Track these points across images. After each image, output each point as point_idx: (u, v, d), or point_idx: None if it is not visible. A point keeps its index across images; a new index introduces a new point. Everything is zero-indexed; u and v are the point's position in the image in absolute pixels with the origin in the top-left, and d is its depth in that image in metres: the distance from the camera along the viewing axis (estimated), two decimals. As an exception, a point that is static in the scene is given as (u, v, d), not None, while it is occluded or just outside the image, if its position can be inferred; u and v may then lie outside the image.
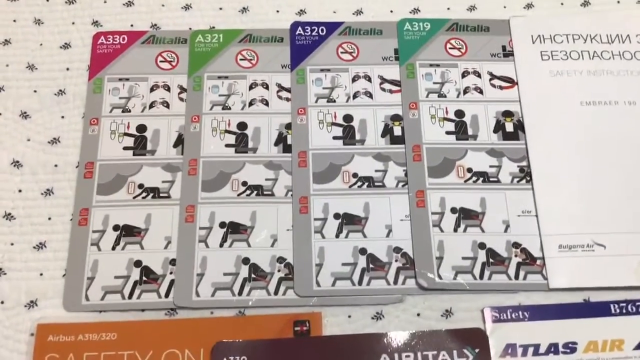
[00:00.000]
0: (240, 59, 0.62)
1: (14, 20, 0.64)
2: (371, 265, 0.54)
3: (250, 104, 0.60)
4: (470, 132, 0.59)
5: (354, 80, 0.61)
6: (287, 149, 0.58)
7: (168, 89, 0.61)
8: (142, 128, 0.59)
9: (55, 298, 0.53)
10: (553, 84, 0.60)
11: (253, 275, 0.54)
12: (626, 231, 0.55)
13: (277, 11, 0.64)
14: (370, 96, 0.60)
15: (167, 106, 0.60)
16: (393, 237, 0.55)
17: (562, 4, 0.65)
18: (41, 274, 0.54)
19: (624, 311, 0.53)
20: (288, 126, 0.59)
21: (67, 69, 0.62)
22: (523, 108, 0.59)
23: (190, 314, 0.53)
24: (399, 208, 0.56)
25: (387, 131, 0.59)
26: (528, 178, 0.57)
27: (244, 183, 0.57)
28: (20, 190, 0.57)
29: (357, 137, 0.59)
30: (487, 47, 0.62)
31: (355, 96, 0.60)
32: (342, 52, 0.62)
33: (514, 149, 0.58)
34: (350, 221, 0.56)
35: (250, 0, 0.65)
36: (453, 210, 0.56)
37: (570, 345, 0.51)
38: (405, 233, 0.55)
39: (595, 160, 0.57)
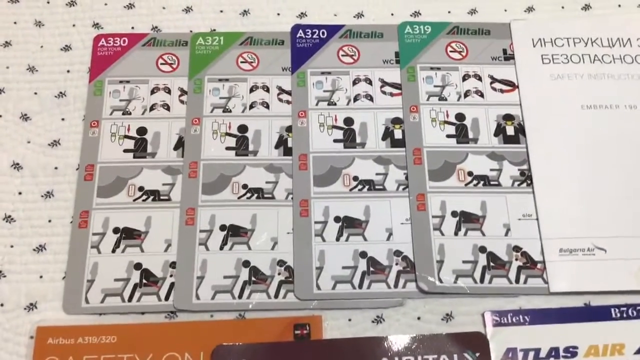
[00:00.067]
0: (241, 62, 0.62)
1: (15, 22, 0.64)
2: (371, 269, 0.54)
3: (251, 106, 0.60)
4: (470, 135, 0.59)
5: (354, 83, 0.61)
6: (287, 151, 0.58)
7: (169, 91, 0.60)
8: (142, 130, 0.59)
9: (55, 301, 0.53)
10: (554, 87, 0.60)
11: (253, 279, 0.54)
12: (627, 235, 0.55)
13: (278, 14, 0.64)
14: (371, 99, 0.60)
15: (168, 109, 0.60)
16: (393, 240, 0.55)
17: (562, 7, 0.65)
18: (41, 277, 0.54)
19: (625, 315, 0.52)
20: (289, 129, 0.59)
21: (68, 71, 0.62)
22: (524, 111, 0.59)
23: (190, 317, 0.53)
24: (399, 211, 0.56)
25: (387, 134, 0.59)
26: (529, 181, 0.57)
27: (245, 186, 0.57)
28: (20, 193, 0.57)
29: (358, 140, 0.59)
30: (487, 50, 0.62)
31: (355, 99, 0.60)
32: (342, 55, 0.62)
33: (514, 153, 0.58)
34: (350, 224, 0.55)
35: (251, 3, 0.65)
36: (454, 213, 0.56)
37: (571, 349, 0.51)
38: (405, 236, 0.55)
39: (596, 164, 0.57)
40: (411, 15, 0.64)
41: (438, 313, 0.53)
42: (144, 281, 0.54)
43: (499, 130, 0.59)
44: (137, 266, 0.54)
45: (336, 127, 0.59)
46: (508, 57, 0.62)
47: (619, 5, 0.65)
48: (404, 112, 0.60)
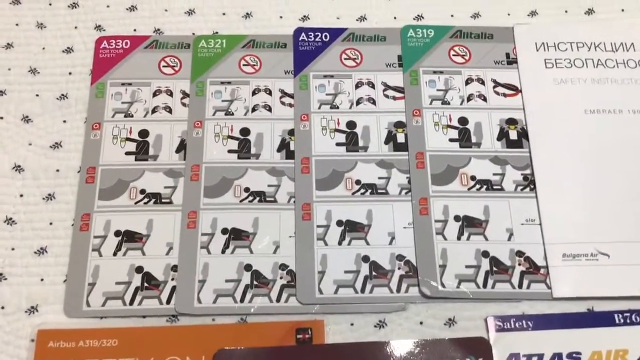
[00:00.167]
0: (244, 65, 0.62)
1: (17, 24, 0.63)
2: (374, 273, 0.54)
3: (253, 109, 0.60)
4: (473, 139, 0.59)
5: (357, 86, 0.61)
6: (289, 155, 0.58)
7: (171, 94, 0.60)
8: (144, 133, 0.59)
9: (56, 304, 0.53)
10: (557, 91, 0.60)
11: (255, 282, 0.53)
12: (630, 240, 0.55)
13: (281, 17, 0.64)
14: (374, 103, 0.60)
15: (170, 111, 0.60)
16: (396, 244, 0.55)
17: (566, 11, 0.65)
18: (42, 280, 0.54)
19: (628, 321, 0.52)
20: (291, 132, 0.59)
21: (70, 73, 0.61)
22: (527, 116, 0.59)
23: (191, 320, 0.53)
24: (402, 215, 0.56)
25: (390, 138, 0.59)
26: (532, 186, 0.57)
27: (247, 189, 0.57)
28: (21, 195, 0.57)
29: (360, 143, 0.58)
30: (490, 54, 0.62)
31: (358, 102, 0.60)
32: (345, 59, 0.62)
33: (517, 157, 0.58)
34: (353, 228, 0.55)
35: (254, 6, 0.65)
36: (456, 218, 0.56)
37: (574, 355, 0.51)
38: (408, 241, 0.55)
39: (599, 169, 0.57)
40: (414, 19, 0.64)
41: (441, 318, 0.53)
42: (146, 284, 0.53)
43: (502, 135, 0.59)
44: (139, 269, 0.54)
45: (339, 130, 0.59)
46: (511, 61, 0.62)
47: (623, 10, 0.65)
48: (406, 115, 0.59)
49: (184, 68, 0.61)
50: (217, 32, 0.63)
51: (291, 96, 0.60)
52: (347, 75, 0.61)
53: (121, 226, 0.55)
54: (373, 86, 0.61)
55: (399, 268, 0.54)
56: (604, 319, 0.52)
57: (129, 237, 0.55)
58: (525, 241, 0.55)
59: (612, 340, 0.52)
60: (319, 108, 0.60)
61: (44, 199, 0.57)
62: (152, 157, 0.58)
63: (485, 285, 0.53)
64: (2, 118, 0.60)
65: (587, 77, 0.61)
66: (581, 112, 0.59)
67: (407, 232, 0.55)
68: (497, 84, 0.61)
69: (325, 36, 0.63)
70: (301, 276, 0.54)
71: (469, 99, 0.60)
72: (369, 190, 0.57)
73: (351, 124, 0.59)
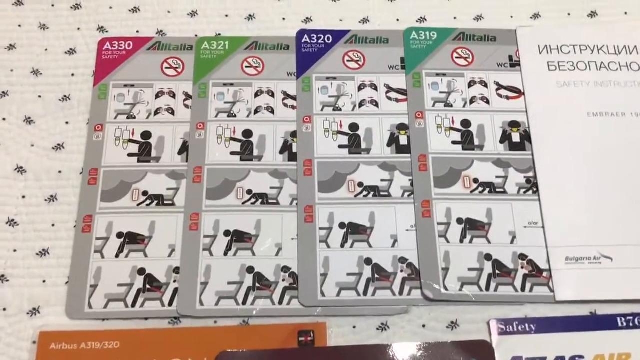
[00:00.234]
0: (246, 67, 0.61)
1: (19, 25, 0.63)
2: (376, 276, 0.54)
3: (256, 111, 0.60)
4: (476, 142, 0.58)
5: (360, 88, 0.61)
6: (292, 157, 0.58)
7: (173, 95, 0.60)
8: (147, 135, 0.59)
9: (58, 305, 0.53)
10: (560, 94, 0.60)
11: (257, 285, 0.53)
12: (633, 244, 0.55)
13: (283, 19, 0.64)
14: (376, 105, 0.60)
15: (172, 113, 0.60)
16: (398, 247, 0.55)
17: (569, 14, 0.65)
18: (44, 281, 0.54)
19: (631, 325, 0.52)
20: (293, 134, 0.59)
21: (72, 74, 0.61)
22: (530, 118, 0.59)
23: (193, 323, 0.53)
24: (404, 218, 0.56)
25: (393, 140, 0.59)
26: (534, 189, 0.57)
27: (249, 191, 0.56)
28: (23, 197, 0.57)
29: (363, 146, 0.58)
30: (493, 57, 0.62)
31: (361, 105, 0.60)
32: (348, 61, 0.62)
33: (520, 160, 0.58)
34: (355, 231, 0.55)
35: (257, 8, 0.64)
36: (459, 220, 0.55)
37: (577, 358, 0.51)
38: (410, 243, 0.55)
39: (602, 172, 0.57)
40: (417, 21, 0.64)
41: (443, 321, 0.53)
42: (148, 286, 0.53)
43: (505, 137, 0.59)
44: (141, 271, 0.54)
45: (341, 132, 0.59)
46: (514, 63, 0.62)
47: (626, 13, 0.64)
48: (409, 118, 0.59)
49: (186, 70, 0.61)
50: (219, 34, 0.63)
51: (294, 98, 0.60)
52: (350, 77, 0.61)
53: (123, 228, 0.55)
54: (376, 88, 0.61)
55: (401, 271, 0.54)
56: (606, 323, 0.52)
57: (131, 239, 0.55)
58: (528, 244, 0.55)
59: (615, 343, 0.52)
60: (322, 110, 0.60)
61: (46, 200, 0.57)
62: (154, 159, 0.58)
63: (488, 288, 0.53)
64: (4, 119, 0.59)
65: (590, 79, 0.61)
66: (584, 115, 0.59)
67: (409, 234, 0.55)
68: (500, 86, 0.61)
69: (328, 38, 0.63)
70: (303, 278, 0.53)
71: (471, 102, 0.60)
72: (372, 193, 0.57)
73: (354, 126, 0.59)
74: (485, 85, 0.61)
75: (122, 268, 0.54)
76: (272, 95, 0.60)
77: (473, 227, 0.55)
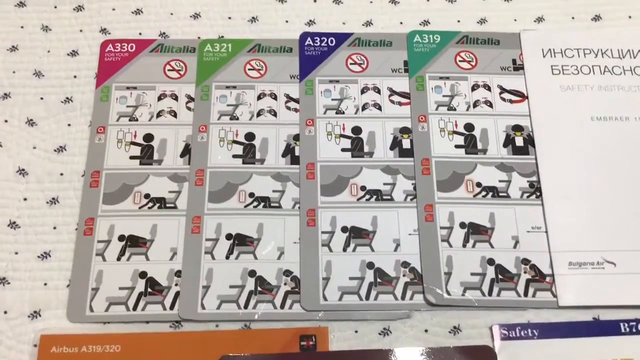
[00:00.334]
0: (249, 69, 0.61)
1: (22, 27, 0.63)
2: (379, 280, 0.54)
3: (258, 114, 0.60)
4: (479, 146, 0.58)
5: (363, 91, 0.60)
6: (295, 160, 0.58)
7: (176, 98, 0.60)
8: (149, 137, 0.58)
9: (59, 308, 0.53)
10: (564, 98, 0.60)
11: (259, 288, 0.53)
12: (637, 249, 0.54)
13: (287, 21, 0.64)
14: (379, 108, 0.60)
15: (175, 115, 0.59)
16: (401, 251, 0.55)
17: (573, 18, 0.64)
18: (45, 284, 0.54)
19: (634, 330, 0.52)
20: (296, 137, 0.59)
21: (75, 76, 0.61)
22: (533, 122, 0.59)
23: (195, 326, 0.53)
24: (407, 222, 0.55)
25: (396, 144, 0.58)
26: (538, 193, 0.56)
27: (251, 194, 0.56)
28: (25, 199, 0.57)
29: (366, 149, 0.58)
30: (497, 60, 0.62)
31: (364, 108, 0.60)
32: (351, 64, 0.62)
33: (523, 164, 0.58)
34: (358, 235, 0.55)
35: (260, 10, 0.64)
36: (462, 225, 0.55)
37: (580, 364, 0.51)
38: (413, 247, 0.55)
39: (605, 176, 0.57)
40: (420, 24, 0.64)
41: (445, 326, 0.53)
42: (149, 290, 0.53)
43: (508, 141, 0.58)
44: (142, 274, 0.54)
45: (344, 136, 0.59)
46: (517, 67, 0.61)
47: (630, 17, 0.64)
48: (412, 121, 0.59)
49: (189, 72, 0.61)
50: (222, 36, 0.63)
51: (296, 101, 0.60)
52: (353, 80, 0.61)
53: (125, 231, 0.55)
54: (379, 91, 0.60)
55: (404, 275, 0.54)
56: (609, 328, 0.52)
57: (133, 242, 0.55)
58: (531, 249, 0.54)
59: (618, 349, 0.51)
60: (325, 113, 0.60)
61: (47, 202, 0.56)
62: (156, 162, 0.58)
63: (490, 293, 0.53)
64: (6, 121, 0.59)
65: (593, 83, 0.61)
66: (588, 119, 0.59)
67: (412, 238, 0.55)
68: (503, 90, 0.60)
69: (331, 41, 0.62)
70: (305, 282, 0.53)
71: (475, 105, 0.60)
72: (374, 197, 0.56)
73: (356, 130, 0.59)
74: (489, 89, 0.61)
75: (124, 271, 0.54)
76: (275, 98, 0.60)
77: (476, 231, 0.55)
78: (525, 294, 0.53)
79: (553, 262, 0.54)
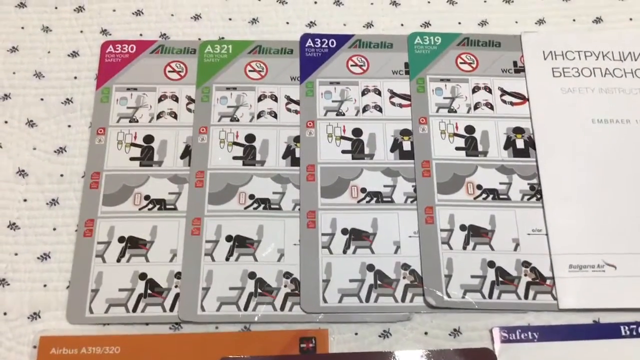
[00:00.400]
0: (249, 71, 0.61)
1: (22, 28, 0.63)
2: (379, 282, 0.53)
3: (259, 116, 0.60)
4: (480, 148, 0.58)
5: (363, 93, 0.60)
6: (295, 162, 0.58)
7: (176, 99, 0.60)
8: (149, 139, 0.58)
9: (59, 310, 0.53)
10: (564, 101, 0.60)
11: (259, 290, 0.53)
12: (637, 252, 0.54)
13: (287, 23, 0.64)
14: (380, 110, 0.60)
15: (175, 117, 0.59)
16: (401, 253, 0.54)
17: (574, 20, 0.64)
18: (45, 285, 0.54)
19: (635, 333, 0.52)
20: (296, 139, 0.59)
21: (75, 77, 0.61)
22: (534, 125, 0.59)
23: (195, 328, 0.52)
24: (407, 224, 0.55)
25: (396, 146, 0.58)
26: (538, 196, 0.56)
27: (251, 196, 0.56)
28: (25, 200, 0.56)
29: (366, 151, 0.58)
30: (498, 62, 0.62)
31: (364, 110, 0.60)
32: (352, 65, 0.62)
33: (524, 166, 0.57)
34: (358, 237, 0.55)
35: (260, 12, 0.64)
36: (462, 227, 0.55)
37: (580, 367, 0.51)
38: (413, 250, 0.55)
39: (606, 179, 0.57)
40: (421, 26, 0.64)
41: (446, 328, 0.53)
42: (149, 291, 0.53)
43: (509, 144, 0.58)
44: (142, 276, 0.53)
45: (344, 137, 0.59)
46: (518, 69, 0.61)
47: (631, 19, 0.64)
48: (413, 123, 0.59)
49: (189, 73, 0.61)
50: (223, 38, 0.63)
51: (297, 103, 0.60)
52: (354, 82, 0.61)
53: (125, 232, 0.55)
54: (379, 93, 0.60)
55: (404, 277, 0.54)
56: (610, 331, 0.52)
57: (133, 244, 0.54)
58: (531, 251, 0.54)
59: (618, 352, 0.51)
60: (325, 115, 0.59)
61: (47, 204, 0.56)
62: (156, 163, 0.57)
63: (490, 295, 0.53)
64: (6, 122, 0.59)
65: (594, 86, 0.60)
66: (589, 122, 0.59)
67: (412, 241, 0.55)
68: (504, 92, 0.60)
69: (332, 42, 0.62)
70: (305, 285, 0.53)
71: (475, 107, 0.60)
72: (375, 199, 0.56)
73: (357, 131, 0.59)
74: (490, 91, 0.61)
75: (124, 273, 0.54)
76: (275, 99, 0.60)
77: (476, 233, 0.55)
78: (526, 297, 0.53)
79: (553, 265, 0.54)
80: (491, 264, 0.54)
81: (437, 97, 0.60)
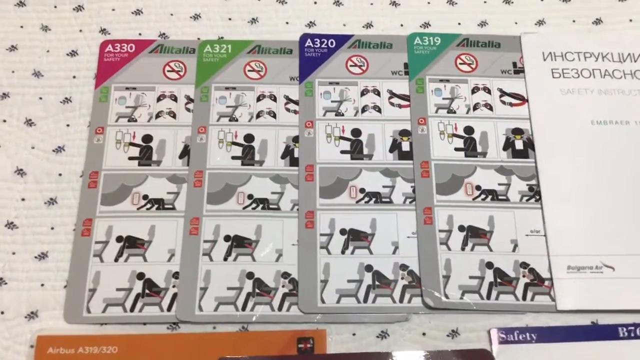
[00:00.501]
0: (249, 70, 0.61)
1: (21, 26, 0.63)
2: (377, 283, 0.53)
3: (258, 115, 0.59)
4: (479, 149, 0.58)
5: (362, 94, 0.60)
6: (294, 162, 0.58)
7: (175, 99, 0.60)
8: (148, 138, 0.58)
9: (56, 309, 0.53)
10: (564, 102, 0.60)
11: (257, 290, 0.53)
12: (636, 253, 0.54)
13: (287, 23, 0.64)
14: (379, 110, 0.60)
15: (174, 116, 0.59)
16: (400, 254, 0.54)
17: (574, 21, 0.64)
18: (42, 285, 0.54)
19: (632, 335, 0.52)
20: (295, 139, 0.58)
21: (74, 76, 0.61)
22: (533, 126, 0.59)
23: (192, 328, 0.52)
24: (406, 225, 0.55)
25: (395, 146, 0.58)
26: (537, 197, 0.56)
27: (250, 196, 0.56)
28: (23, 199, 0.56)
29: (365, 151, 0.58)
30: (497, 63, 0.62)
31: (363, 110, 0.60)
32: (351, 66, 0.61)
33: (523, 167, 0.57)
34: (356, 237, 0.55)
35: (260, 11, 0.64)
36: (461, 228, 0.55)
37: (578, 369, 0.51)
38: (412, 250, 0.54)
39: (605, 181, 0.57)
40: (421, 27, 0.64)
41: (443, 329, 0.53)
42: (147, 291, 0.53)
43: (508, 145, 0.58)
44: (140, 276, 0.53)
45: (343, 138, 0.59)
46: (518, 70, 0.61)
47: (631, 20, 0.64)
48: (412, 124, 0.59)
49: (188, 73, 0.61)
50: (222, 37, 0.63)
51: (296, 103, 0.60)
52: (353, 82, 0.61)
53: (123, 232, 0.55)
54: (379, 94, 0.60)
55: (402, 278, 0.54)
56: (608, 333, 0.52)
57: (131, 243, 0.54)
58: (530, 253, 0.54)
59: (616, 354, 0.51)
60: (324, 115, 0.59)
61: (45, 203, 0.56)
62: (155, 163, 0.57)
63: (489, 296, 0.53)
64: (4, 121, 0.59)
65: (594, 87, 0.60)
66: (588, 123, 0.59)
67: (411, 241, 0.55)
68: (503, 93, 0.60)
69: (332, 42, 0.62)
70: (303, 285, 0.53)
71: (475, 108, 0.60)
72: (373, 199, 0.56)
73: (356, 132, 0.59)
74: (489, 92, 0.60)
75: (121, 272, 0.53)
76: (274, 99, 0.60)
77: (475, 234, 0.55)
78: (524, 298, 0.53)
79: (552, 266, 0.54)
80: (489, 264, 0.54)
81: (436, 97, 0.60)
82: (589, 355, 0.51)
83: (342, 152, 0.58)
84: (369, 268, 0.54)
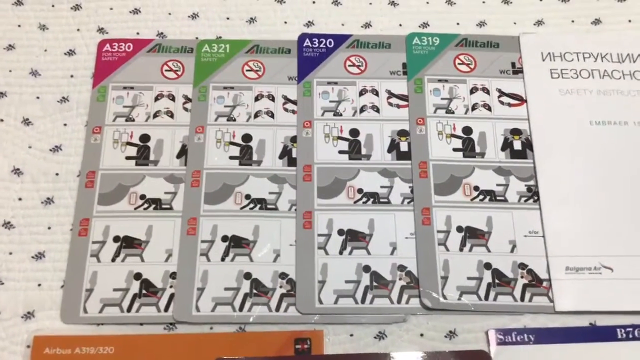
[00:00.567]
0: (247, 70, 0.61)
1: (19, 25, 0.63)
2: (375, 283, 0.53)
3: (256, 115, 0.59)
4: (477, 149, 0.58)
5: (361, 94, 0.60)
6: (292, 162, 0.57)
7: (173, 98, 0.60)
8: (145, 138, 0.58)
9: (53, 309, 0.53)
10: (562, 102, 0.60)
11: (254, 291, 0.53)
12: (634, 254, 0.54)
13: (285, 22, 0.64)
14: (377, 110, 0.60)
15: (172, 116, 0.59)
16: (397, 255, 0.54)
17: (572, 21, 0.64)
18: (39, 285, 0.53)
19: (631, 336, 0.52)
20: (293, 139, 0.58)
21: (71, 76, 0.61)
22: (532, 126, 0.59)
23: (189, 329, 0.52)
24: (404, 225, 0.55)
25: (393, 146, 0.58)
26: (535, 198, 0.56)
27: (248, 196, 0.56)
28: (20, 199, 0.56)
29: (363, 151, 0.58)
30: (496, 63, 0.62)
31: (362, 110, 0.60)
32: (349, 65, 0.61)
33: (521, 168, 0.57)
34: (354, 238, 0.55)
35: (258, 11, 0.64)
36: (459, 228, 0.55)
37: (576, 370, 0.50)
38: (410, 251, 0.54)
39: (604, 181, 0.57)
40: (419, 27, 0.64)
41: (441, 330, 0.52)
42: (144, 291, 0.53)
43: (506, 145, 0.58)
44: (137, 276, 0.53)
45: (341, 138, 0.58)
46: (516, 70, 0.61)
47: (630, 21, 0.64)
48: (410, 124, 0.59)
49: (186, 72, 0.61)
50: (220, 37, 0.63)
51: (294, 102, 0.60)
52: (351, 82, 0.61)
53: (120, 232, 0.55)
54: (377, 94, 0.60)
55: (400, 279, 0.53)
56: (606, 334, 0.52)
57: (128, 243, 0.54)
58: (528, 253, 0.54)
59: (614, 355, 0.51)
60: (322, 115, 0.59)
61: (42, 202, 0.56)
62: (152, 162, 0.57)
63: (487, 297, 0.53)
64: (2, 120, 0.59)
65: (593, 88, 0.60)
66: (586, 123, 0.59)
67: (408, 242, 0.55)
68: (502, 93, 0.60)
69: (330, 42, 0.62)
70: (301, 285, 0.53)
71: (473, 108, 0.60)
72: (371, 199, 0.56)
73: (354, 132, 0.59)
74: (487, 92, 0.60)
75: (118, 272, 0.53)
76: (273, 99, 0.60)
77: (473, 235, 0.55)
78: (522, 299, 0.53)
79: (550, 267, 0.54)
80: (487, 265, 0.54)
81: (434, 97, 0.60)
82: (587, 356, 0.51)
83: (340, 152, 0.58)
84: (366, 269, 0.54)
